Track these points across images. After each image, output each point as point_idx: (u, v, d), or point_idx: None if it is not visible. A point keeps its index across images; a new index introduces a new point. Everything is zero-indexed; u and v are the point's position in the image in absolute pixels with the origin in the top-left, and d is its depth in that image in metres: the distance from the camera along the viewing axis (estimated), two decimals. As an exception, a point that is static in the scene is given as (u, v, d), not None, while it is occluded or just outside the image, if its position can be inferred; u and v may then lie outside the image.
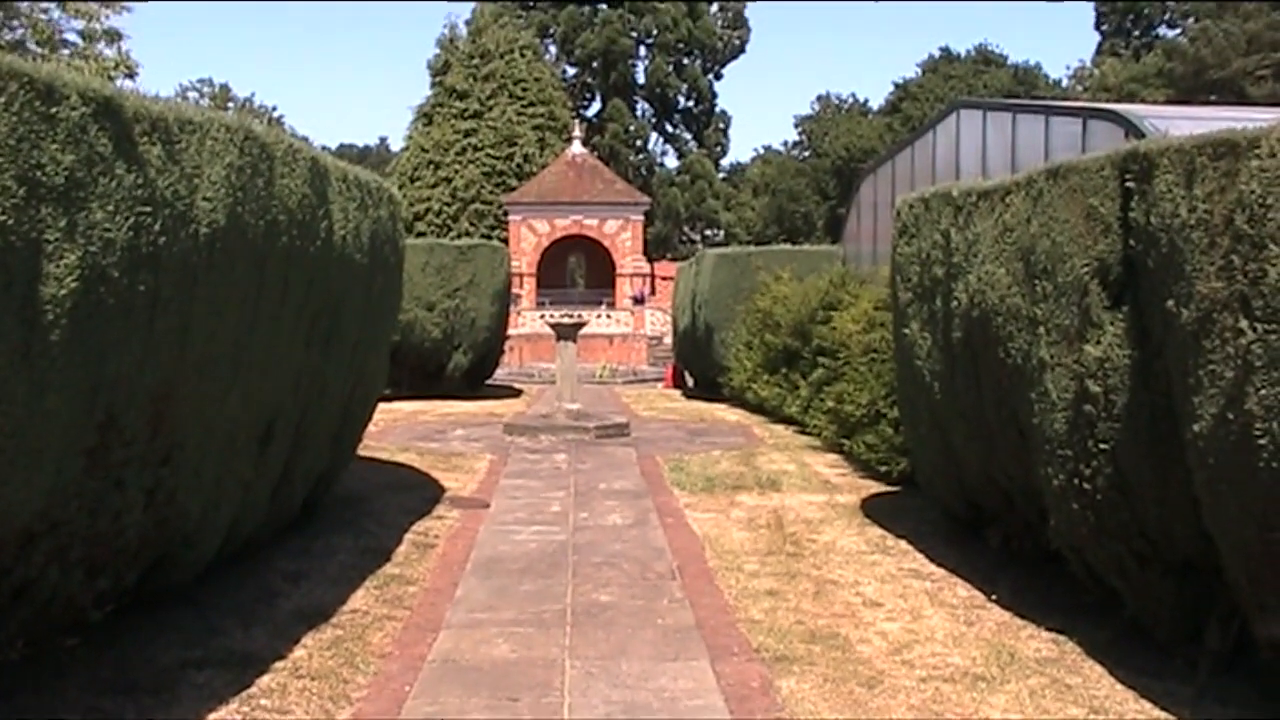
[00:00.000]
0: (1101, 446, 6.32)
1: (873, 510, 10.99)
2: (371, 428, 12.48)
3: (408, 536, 9.64)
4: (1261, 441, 4.84)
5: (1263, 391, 4.82)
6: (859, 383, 13.25)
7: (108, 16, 30.78)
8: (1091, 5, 70.15)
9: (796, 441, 16.47)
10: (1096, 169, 6.42)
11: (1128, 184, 6.10)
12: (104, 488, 5.60)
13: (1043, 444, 6.91)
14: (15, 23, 29.99)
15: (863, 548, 9.44)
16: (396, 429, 17.72)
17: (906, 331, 9.42)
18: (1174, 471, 5.84)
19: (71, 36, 31.03)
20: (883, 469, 12.46)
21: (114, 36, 31.00)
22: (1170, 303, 5.55)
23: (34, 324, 4.63)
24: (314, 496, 9.71)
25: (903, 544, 9.53)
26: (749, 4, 73.90)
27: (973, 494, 8.94)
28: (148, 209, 5.41)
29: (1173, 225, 5.52)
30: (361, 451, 11.76)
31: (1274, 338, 4.76)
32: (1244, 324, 4.92)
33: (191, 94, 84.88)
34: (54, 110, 4.76)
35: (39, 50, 29.87)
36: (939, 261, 8.59)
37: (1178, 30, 64.87)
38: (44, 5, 30.03)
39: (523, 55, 57.37)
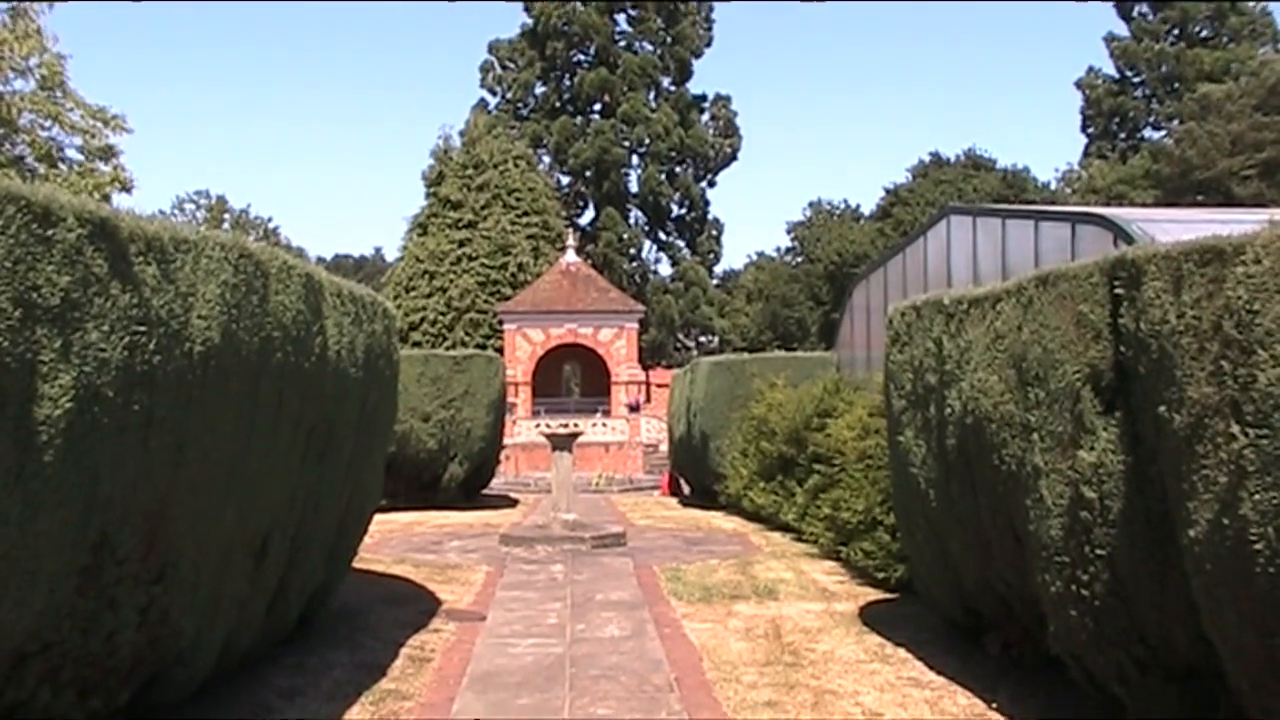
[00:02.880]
0: (1098, 552, 6.29)
1: (871, 618, 10.90)
2: (367, 539, 12.41)
3: (404, 650, 9.54)
4: (1257, 546, 4.83)
5: (1257, 496, 4.81)
6: (855, 489, 13.23)
7: (108, 135, 31.16)
8: (1078, 108, 71.20)
9: (793, 549, 16.38)
10: (1085, 276, 6.47)
11: (1117, 290, 6.14)
12: (97, 607, 5.57)
13: (1039, 550, 6.89)
14: (18, 138, 30.34)
15: (861, 656, 9.36)
16: (392, 540, 17.62)
17: (901, 439, 9.43)
18: (1172, 576, 5.81)
19: (72, 153, 31.40)
20: (880, 576, 12.39)
21: (110, 153, 31.34)
22: (1162, 408, 5.56)
23: (28, 445, 4.64)
24: (309, 611, 9.63)
25: (902, 652, 9.44)
26: (740, 112, 75.04)
27: (971, 600, 8.88)
28: (143, 328, 5.45)
29: (1162, 331, 5.56)
30: (357, 564, 11.69)
31: (1266, 442, 4.76)
32: (1236, 429, 4.93)
33: (188, 206, 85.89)
34: (50, 232, 4.82)
35: (38, 166, 30.19)
36: (932, 369, 8.63)
37: (1163, 132, 65.80)
38: (44, 123, 30.41)
39: (516, 165, 58.09)
